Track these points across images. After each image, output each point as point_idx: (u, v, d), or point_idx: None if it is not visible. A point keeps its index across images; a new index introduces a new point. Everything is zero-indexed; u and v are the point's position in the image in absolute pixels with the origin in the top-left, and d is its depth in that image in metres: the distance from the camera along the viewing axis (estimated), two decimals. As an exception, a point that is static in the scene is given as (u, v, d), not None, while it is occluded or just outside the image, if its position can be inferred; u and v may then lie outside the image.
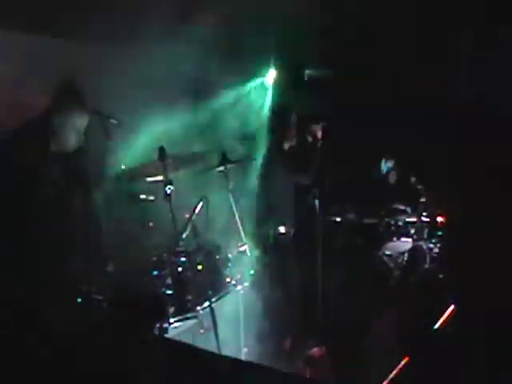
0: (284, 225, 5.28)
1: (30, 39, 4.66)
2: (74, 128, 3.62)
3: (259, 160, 5.13)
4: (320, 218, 5.11)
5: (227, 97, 6.82)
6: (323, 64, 6.37)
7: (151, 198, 4.73)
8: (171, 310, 3.56)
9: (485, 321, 3.97)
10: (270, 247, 5.15)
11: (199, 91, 6.33)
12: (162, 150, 3.67)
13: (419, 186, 6.10)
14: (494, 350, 3.63)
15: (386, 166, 6.39)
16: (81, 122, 3.65)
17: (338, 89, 6.12)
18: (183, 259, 3.72)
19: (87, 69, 4.50)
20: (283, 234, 5.28)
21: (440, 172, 6.02)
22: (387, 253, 6.09)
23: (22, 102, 4.11)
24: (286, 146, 5.41)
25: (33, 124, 3.68)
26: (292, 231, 5.36)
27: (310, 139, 5.39)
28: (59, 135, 3.61)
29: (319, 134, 5.33)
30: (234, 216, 4.31)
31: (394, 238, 6.09)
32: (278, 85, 6.95)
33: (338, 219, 6.13)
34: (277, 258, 5.13)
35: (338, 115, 5.63)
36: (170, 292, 3.61)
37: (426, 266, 5.92)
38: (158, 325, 3.46)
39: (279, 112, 5.70)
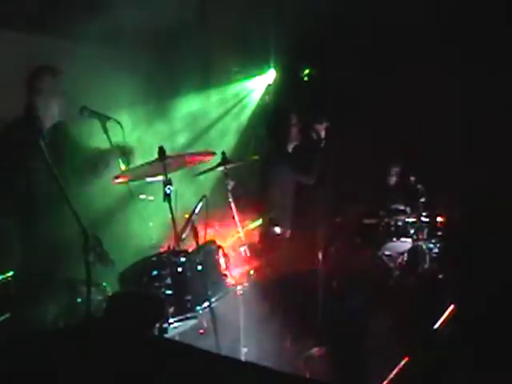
0: (279, 226, 5.27)
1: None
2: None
3: (259, 160, 5.12)
4: (321, 217, 5.12)
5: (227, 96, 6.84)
6: (322, 64, 6.38)
7: (151, 198, 4.74)
8: (171, 310, 3.55)
9: (484, 321, 3.97)
10: (269, 247, 5.15)
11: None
12: (161, 149, 3.66)
13: (419, 186, 6.10)
14: (493, 350, 3.63)
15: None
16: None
17: (338, 88, 6.12)
18: (183, 259, 3.71)
19: (85, 70, 4.52)
20: (278, 235, 5.28)
21: (440, 172, 6.02)
22: (387, 253, 6.09)
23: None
24: (290, 146, 5.40)
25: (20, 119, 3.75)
26: (288, 233, 5.35)
27: (313, 139, 5.37)
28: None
29: (322, 134, 5.32)
30: (233, 216, 4.30)
31: (394, 238, 6.09)
32: (279, 85, 6.96)
33: (339, 219, 6.14)
34: (276, 257, 5.13)
35: (339, 115, 5.62)
36: (169, 292, 3.61)
37: (426, 266, 5.93)
38: (157, 325, 3.46)
39: (280, 112, 5.69)
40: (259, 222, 4.92)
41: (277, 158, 5.35)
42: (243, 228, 4.35)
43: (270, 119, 5.85)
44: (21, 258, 3.54)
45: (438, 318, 4.14)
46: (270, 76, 7.00)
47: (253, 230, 4.81)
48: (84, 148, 4.00)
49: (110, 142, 3.86)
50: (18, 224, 3.63)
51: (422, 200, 6.08)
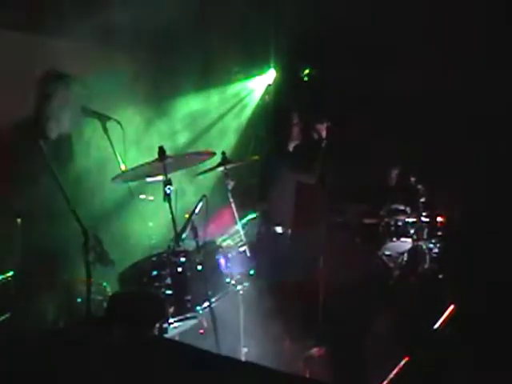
0: (280, 225, 5.27)
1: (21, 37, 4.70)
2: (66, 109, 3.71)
3: (259, 160, 5.12)
4: (321, 217, 5.12)
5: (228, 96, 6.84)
6: (322, 64, 6.38)
7: (151, 198, 4.74)
8: (171, 310, 3.56)
9: (484, 321, 3.97)
10: (269, 247, 5.15)
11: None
12: (161, 149, 3.66)
13: (419, 186, 6.10)
14: (493, 350, 3.63)
15: None
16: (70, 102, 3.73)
17: (338, 88, 6.12)
18: (183, 259, 3.71)
19: (85, 70, 4.52)
20: (280, 234, 5.28)
21: (440, 172, 6.02)
22: (387, 253, 6.09)
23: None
24: (291, 146, 5.39)
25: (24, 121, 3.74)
26: (289, 232, 5.34)
27: (314, 138, 5.37)
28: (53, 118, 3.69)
29: (323, 134, 5.32)
30: (233, 216, 4.31)
31: (394, 238, 6.08)
32: (279, 85, 6.95)
33: (339, 219, 6.14)
34: (277, 257, 5.13)
35: (339, 115, 5.63)
36: (169, 292, 3.61)
37: (426, 266, 5.92)
38: (157, 325, 3.46)
39: (281, 112, 5.69)
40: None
41: (277, 157, 5.35)
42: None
43: (271, 119, 5.85)
44: (21, 258, 3.54)
45: (438, 318, 4.14)
46: (269, 76, 6.99)
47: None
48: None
49: (111, 142, 3.86)
50: (19, 225, 3.63)
51: (422, 200, 6.07)
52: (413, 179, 6.16)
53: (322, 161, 5.28)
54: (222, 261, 4.02)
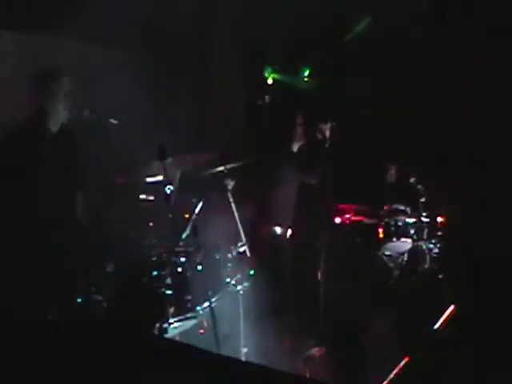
0: (280, 225, 5.27)
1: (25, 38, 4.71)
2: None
3: (262, 160, 5.12)
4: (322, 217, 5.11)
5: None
6: (322, 64, 6.38)
7: (151, 198, 4.74)
8: (171, 310, 3.56)
9: (484, 321, 3.97)
10: (269, 247, 5.15)
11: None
12: (161, 149, 3.66)
13: (419, 186, 6.09)
14: (493, 350, 3.63)
15: None
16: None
17: (338, 89, 6.12)
18: (183, 259, 3.71)
19: (85, 69, 4.53)
20: (279, 234, 5.28)
21: (440, 172, 6.02)
22: (387, 253, 6.08)
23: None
24: (295, 146, 5.39)
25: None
26: (288, 232, 5.34)
27: (318, 139, 5.36)
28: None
29: (327, 134, 5.30)
30: (233, 216, 4.31)
31: (394, 238, 6.08)
32: (279, 85, 6.96)
33: (339, 219, 6.13)
34: (276, 258, 5.13)
35: (340, 115, 5.62)
36: (169, 292, 3.61)
37: (426, 266, 5.91)
38: (157, 325, 3.46)
39: (285, 112, 5.68)
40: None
41: (281, 157, 5.35)
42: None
43: (275, 119, 5.85)
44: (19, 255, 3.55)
45: (438, 318, 4.14)
46: (270, 76, 6.99)
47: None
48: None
49: (110, 141, 3.87)
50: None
51: (422, 200, 6.07)
52: (413, 179, 6.15)
53: (325, 161, 5.28)
54: (222, 261, 4.02)
